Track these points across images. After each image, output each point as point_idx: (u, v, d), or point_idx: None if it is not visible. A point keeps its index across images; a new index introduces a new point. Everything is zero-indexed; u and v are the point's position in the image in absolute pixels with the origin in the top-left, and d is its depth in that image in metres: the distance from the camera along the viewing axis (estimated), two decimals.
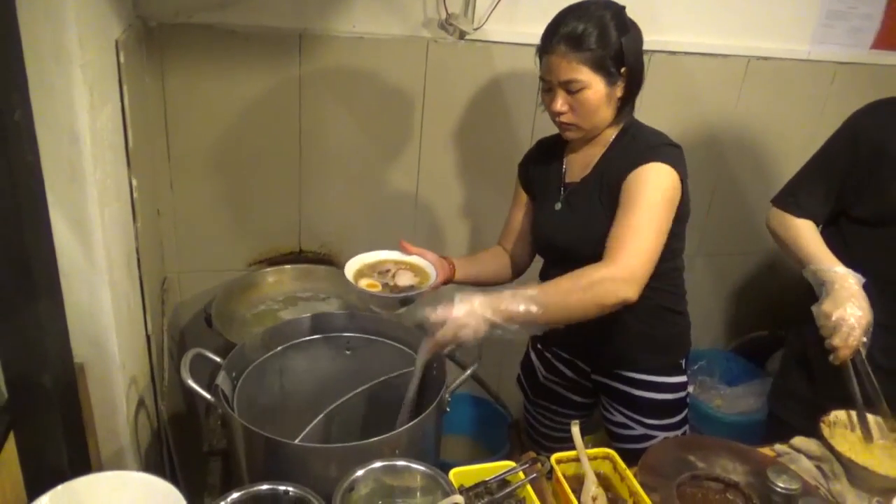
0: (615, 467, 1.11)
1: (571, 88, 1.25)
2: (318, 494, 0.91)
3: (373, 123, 1.79)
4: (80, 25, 0.94)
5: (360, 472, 0.95)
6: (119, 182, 1.22)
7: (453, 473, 1.03)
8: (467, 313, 1.08)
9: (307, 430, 1.11)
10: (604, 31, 1.23)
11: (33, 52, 0.88)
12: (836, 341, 1.33)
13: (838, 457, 1.24)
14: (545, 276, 1.51)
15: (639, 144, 1.30)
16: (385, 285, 1.29)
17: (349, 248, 1.90)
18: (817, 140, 1.58)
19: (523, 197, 1.53)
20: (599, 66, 1.23)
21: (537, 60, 1.32)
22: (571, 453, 1.11)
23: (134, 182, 1.29)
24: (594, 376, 1.49)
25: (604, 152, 1.35)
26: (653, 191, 1.21)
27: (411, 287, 1.29)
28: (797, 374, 1.59)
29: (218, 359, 1.16)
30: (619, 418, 1.47)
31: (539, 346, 1.58)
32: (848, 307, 1.34)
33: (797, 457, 1.27)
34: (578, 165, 1.39)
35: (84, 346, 1.06)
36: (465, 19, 1.72)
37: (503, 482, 1.05)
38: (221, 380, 1.11)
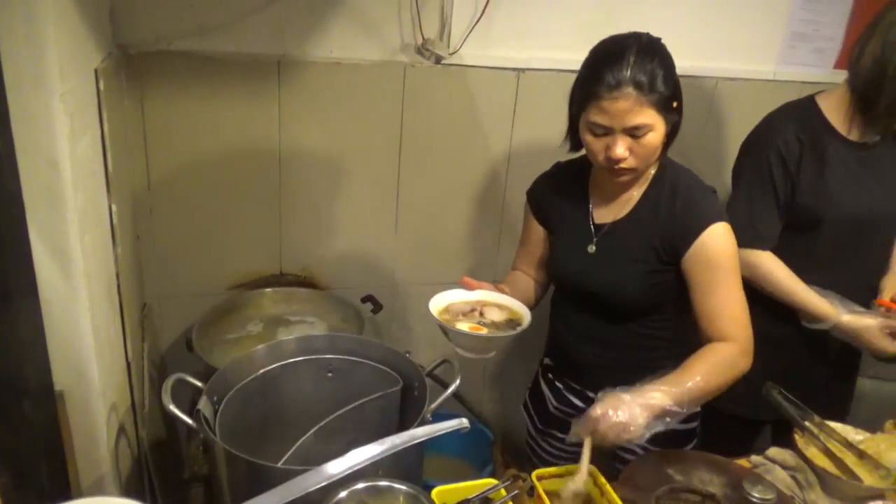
0: (595, 482, 1.13)
1: (637, 134, 1.19)
2: None
3: (352, 147, 1.81)
4: (60, 56, 0.95)
5: (343, 494, 0.95)
6: (99, 208, 1.23)
7: (436, 493, 1.05)
8: (631, 417, 1.08)
9: (290, 452, 1.11)
10: (667, 70, 1.20)
11: (14, 82, 0.89)
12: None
13: (812, 466, 1.27)
14: (561, 311, 1.49)
15: (691, 197, 1.29)
16: (483, 325, 1.25)
17: (330, 270, 1.92)
18: None
19: (537, 231, 1.48)
20: (664, 107, 1.19)
21: (575, 99, 1.27)
22: (552, 469, 1.13)
23: (114, 208, 1.30)
24: None
25: (644, 193, 1.32)
26: (729, 258, 1.26)
27: (511, 321, 1.26)
28: None
29: (199, 383, 1.16)
30: (629, 444, 1.48)
31: (550, 375, 1.56)
32: (873, 344, 1.51)
33: (772, 467, 1.30)
34: (609, 204, 1.36)
35: (64, 373, 1.06)
36: (441, 44, 1.76)
37: (485, 500, 1.06)
38: (203, 404, 1.11)
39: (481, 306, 1.30)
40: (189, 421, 1.06)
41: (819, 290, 1.54)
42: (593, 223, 1.37)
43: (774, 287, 1.56)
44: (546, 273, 1.52)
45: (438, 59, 1.77)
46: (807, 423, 1.34)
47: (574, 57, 1.86)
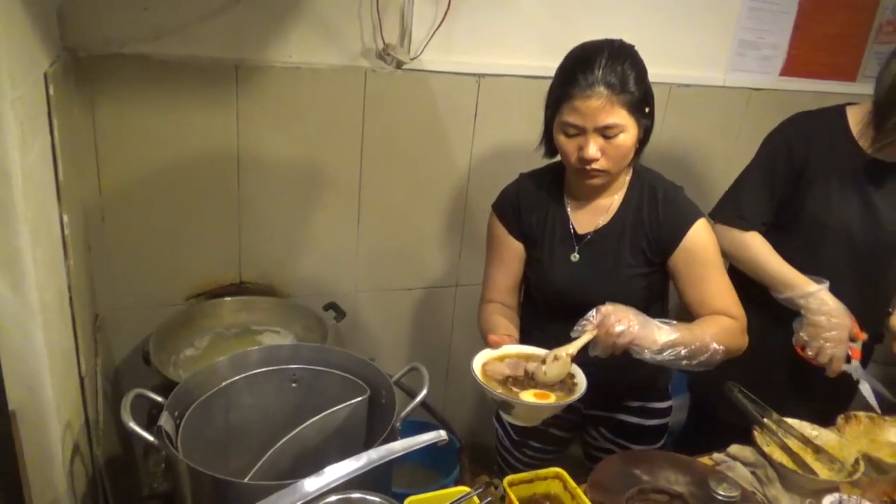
0: (565, 486, 1.14)
1: (608, 134, 1.21)
2: None
3: (313, 152, 1.79)
4: (10, 62, 0.91)
5: None
6: (50, 219, 1.18)
7: (408, 503, 1.03)
8: (650, 332, 1.15)
9: (257, 467, 1.08)
10: (639, 72, 1.22)
11: None
12: (822, 360, 1.50)
13: (771, 462, 1.31)
14: (536, 320, 1.45)
15: (670, 198, 1.33)
16: (546, 386, 1.19)
17: (291, 278, 1.89)
18: (734, 159, 1.68)
19: (513, 246, 1.42)
20: (635, 109, 1.22)
21: (550, 103, 1.28)
22: (523, 475, 1.13)
23: (65, 218, 1.25)
24: (587, 411, 1.50)
25: (623, 198, 1.34)
26: (715, 250, 1.33)
27: (571, 376, 1.21)
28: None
29: (160, 399, 1.13)
30: (604, 444, 1.50)
31: None
32: (831, 332, 1.48)
33: (733, 464, 1.33)
34: (589, 212, 1.36)
35: (17, 392, 1.01)
36: (402, 49, 1.75)
37: None
38: (164, 420, 1.07)
39: (522, 362, 1.24)
40: (150, 438, 1.02)
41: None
42: (575, 232, 1.37)
43: (752, 257, 1.57)
44: (518, 297, 1.49)
45: (399, 65, 1.77)
46: (765, 420, 1.38)
47: (533, 63, 1.90)
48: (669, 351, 1.16)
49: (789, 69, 2.33)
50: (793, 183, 1.56)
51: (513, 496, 1.08)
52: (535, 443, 1.55)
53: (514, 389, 1.18)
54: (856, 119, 1.54)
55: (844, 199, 1.52)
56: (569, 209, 1.38)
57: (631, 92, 1.20)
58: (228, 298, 1.77)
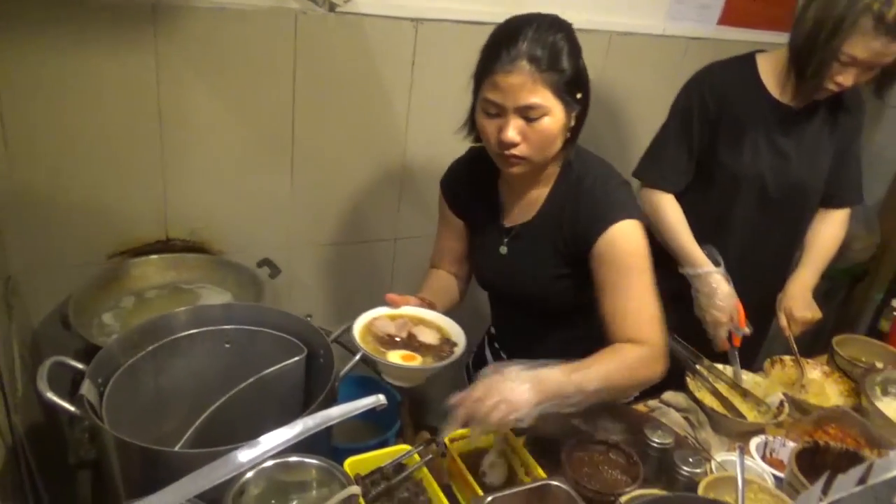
0: (506, 440, 1.14)
1: (530, 116, 1.10)
2: (204, 503, 0.86)
3: (241, 101, 1.69)
4: None
5: (250, 474, 0.91)
6: None
7: (348, 463, 1.02)
8: (520, 396, 1.00)
9: (188, 434, 1.04)
10: (570, 51, 1.11)
11: None
12: (711, 336, 1.54)
13: (702, 407, 1.35)
14: (491, 302, 1.45)
15: (594, 192, 1.20)
16: (411, 347, 1.17)
17: (222, 233, 1.81)
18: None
19: (456, 223, 1.40)
20: (563, 91, 1.11)
21: (474, 81, 1.18)
22: (464, 431, 1.13)
23: None
24: None
25: (549, 193, 1.26)
26: (637, 257, 1.17)
27: (445, 342, 1.18)
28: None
29: (81, 365, 1.06)
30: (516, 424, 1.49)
31: (496, 344, 1.53)
32: (711, 310, 1.52)
33: (667, 410, 1.37)
34: (518, 204, 1.30)
35: None
36: None
37: (399, 466, 1.05)
38: (87, 389, 1.01)
39: (411, 324, 1.21)
40: (71, 409, 0.97)
41: (703, 247, 1.57)
42: (504, 225, 1.32)
43: (664, 228, 1.59)
44: (464, 267, 1.46)
45: (332, 7, 1.67)
46: (697, 367, 1.42)
47: (472, 7, 1.84)
48: (549, 403, 1.03)
49: (726, 18, 2.34)
50: (709, 135, 1.57)
51: (454, 452, 1.08)
52: None
53: (382, 349, 1.17)
54: (766, 67, 1.56)
55: (755, 148, 1.55)
56: (502, 199, 1.32)
57: (559, 70, 1.10)
58: (155, 256, 1.68)
